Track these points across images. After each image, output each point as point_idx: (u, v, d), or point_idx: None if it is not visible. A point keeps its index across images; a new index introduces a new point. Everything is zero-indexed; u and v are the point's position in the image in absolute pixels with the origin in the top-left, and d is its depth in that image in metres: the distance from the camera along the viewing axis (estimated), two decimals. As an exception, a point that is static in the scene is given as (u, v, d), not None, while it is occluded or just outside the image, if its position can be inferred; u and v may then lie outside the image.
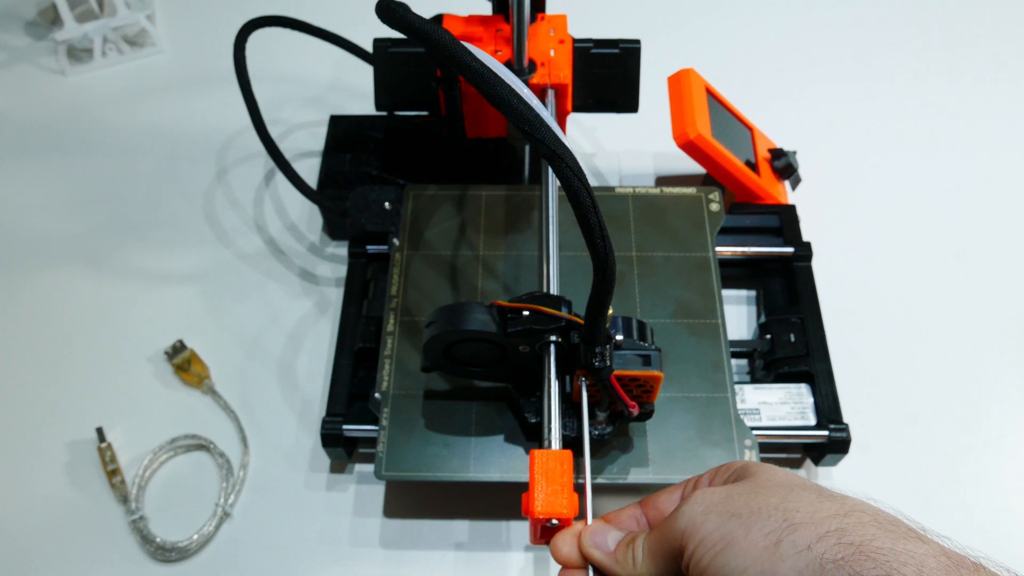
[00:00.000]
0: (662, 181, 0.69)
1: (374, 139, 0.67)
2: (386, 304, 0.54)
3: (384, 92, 0.62)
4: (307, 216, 0.67)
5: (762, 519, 0.29)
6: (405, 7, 0.35)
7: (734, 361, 0.55)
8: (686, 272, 0.55)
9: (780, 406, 0.52)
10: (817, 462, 0.52)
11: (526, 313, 0.43)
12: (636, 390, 0.44)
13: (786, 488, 0.30)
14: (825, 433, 0.50)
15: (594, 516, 0.52)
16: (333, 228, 0.66)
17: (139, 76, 0.78)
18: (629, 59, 0.60)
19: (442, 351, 0.45)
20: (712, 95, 0.62)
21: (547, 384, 0.44)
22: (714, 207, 0.58)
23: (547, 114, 0.35)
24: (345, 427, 0.51)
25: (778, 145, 0.65)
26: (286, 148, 0.62)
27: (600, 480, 0.48)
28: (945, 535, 0.28)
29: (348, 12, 0.68)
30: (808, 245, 0.58)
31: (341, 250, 0.65)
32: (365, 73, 0.64)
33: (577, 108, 0.61)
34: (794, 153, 0.63)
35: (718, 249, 0.57)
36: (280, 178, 0.70)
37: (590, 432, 0.46)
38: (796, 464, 0.54)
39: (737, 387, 0.51)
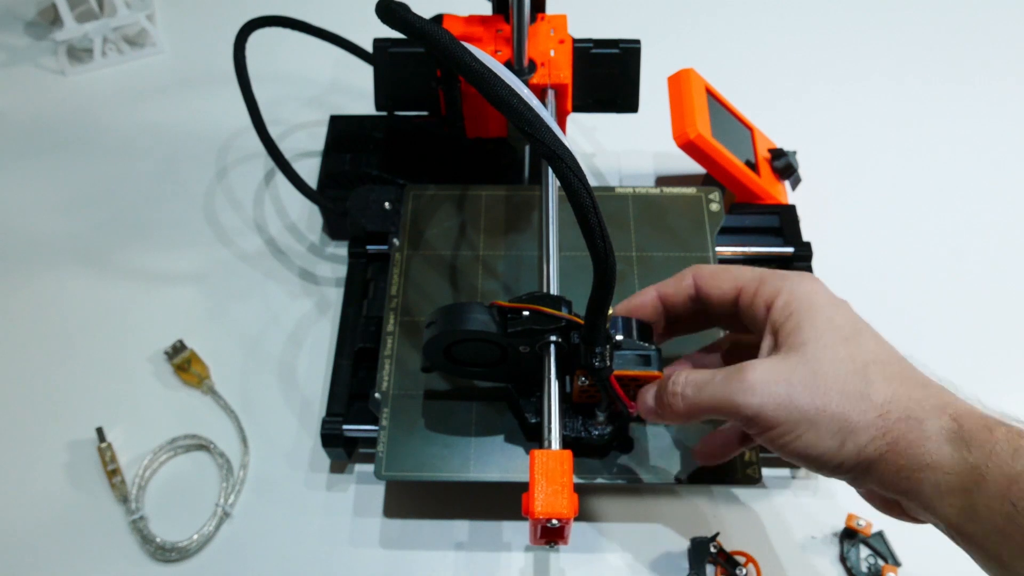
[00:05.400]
0: (662, 181, 0.69)
1: (374, 139, 0.67)
2: (386, 304, 0.54)
3: (384, 92, 0.62)
4: (307, 216, 0.67)
5: (827, 420, 0.36)
6: (405, 7, 0.35)
7: (734, 361, 0.55)
8: (686, 272, 0.55)
9: (780, 406, 0.52)
10: (817, 462, 0.52)
11: (526, 313, 0.43)
12: (636, 390, 0.44)
13: (839, 380, 0.36)
14: (825, 433, 0.50)
15: (594, 518, 0.52)
16: (333, 228, 0.66)
17: (139, 76, 0.78)
18: (629, 59, 0.60)
19: (442, 351, 0.45)
20: (712, 95, 0.62)
21: (547, 384, 0.44)
22: (714, 207, 0.58)
23: (547, 114, 0.35)
24: (345, 427, 0.51)
25: (778, 145, 0.65)
26: (286, 148, 0.62)
27: (600, 480, 0.48)
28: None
29: (348, 12, 0.68)
30: (808, 245, 0.58)
31: (341, 250, 0.65)
32: (365, 73, 0.64)
33: (577, 108, 0.61)
34: (794, 153, 0.63)
35: (718, 249, 0.57)
36: (280, 178, 0.70)
37: (589, 432, 0.46)
38: (795, 464, 0.54)
39: (737, 387, 0.51)
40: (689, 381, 0.40)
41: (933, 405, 0.35)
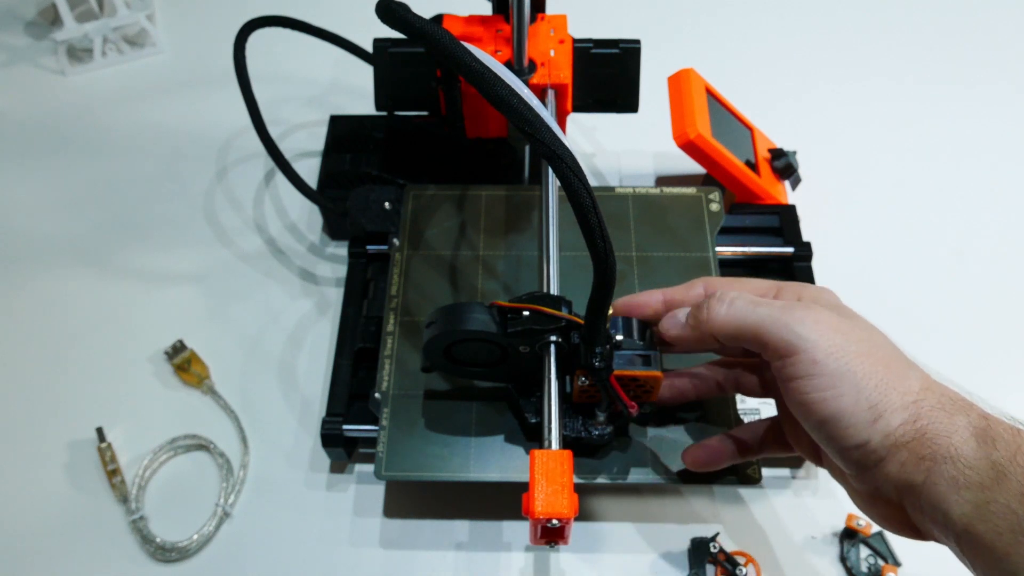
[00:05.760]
0: (662, 181, 0.69)
1: (374, 139, 0.67)
2: (386, 304, 0.54)
3: (384, 92, 0.62)
4: (307, 216, 0.67)
5: (869, 389, 0.35)
6: (405, 7, 0.35)
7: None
8: (686, 272, 0.55)
9: (780, 406, 0.52)
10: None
11: (526, 313, 0.43)
12: (636, 390, 0.44)
13: (888, 353, 0.36)
14: (825, 433, 0.50)
15: (594, 518, 0.52)
16: (333, 228, 0.66)
17: (139, 76, 0.78)
18: (629, 59, 0.60)
19: (442, 351, 0.45)
20: (712, 95, 0.62)
21: (547, 384, 0.44)
22: (714, 207, 0.58)
23: (547, 114, 0.35)
24: (345, 427, 0.51)
25: (778, 145, 0.65)
26: (286, 148, 0.62)
27: (600, 480, 0.48)
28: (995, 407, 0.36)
29: (348, 12, 0.68)
30: (808, 245, 0.58)
31: (341, 250, 0.65)
32: (365, 73, 0.64)
33: (577, 108, 0.61)
34: (794, 153, 0.63)
35: (718, 249, 0.57)
36: (280, 178, 0.70)
37: (590, 432, 0.46)
38: (796, 463, 0.54)
39: (737, 387, 0.51)
40: (742, 295, 0.39)
41: (963, 402, 0.35)
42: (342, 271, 0.62)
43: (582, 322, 0.42)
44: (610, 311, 0.42)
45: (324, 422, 0.51)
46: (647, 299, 0.44)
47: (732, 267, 0.60)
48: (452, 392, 0.51)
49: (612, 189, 0.60)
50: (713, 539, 0.49)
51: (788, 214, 0.60)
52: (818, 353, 0.35)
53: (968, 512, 0.32)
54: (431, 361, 0.46)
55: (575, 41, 0.58)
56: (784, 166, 0.63)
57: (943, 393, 0.35)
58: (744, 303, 0.39)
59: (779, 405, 0.44)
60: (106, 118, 0.75)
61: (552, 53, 0.57)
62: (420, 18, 0.35)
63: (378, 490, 0.53)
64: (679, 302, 0.44)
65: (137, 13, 0.77)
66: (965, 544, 0.33)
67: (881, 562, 0.49)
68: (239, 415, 0.56)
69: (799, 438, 0.42)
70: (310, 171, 0.67)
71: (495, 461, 0.48)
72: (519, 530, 0.51)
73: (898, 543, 0.50)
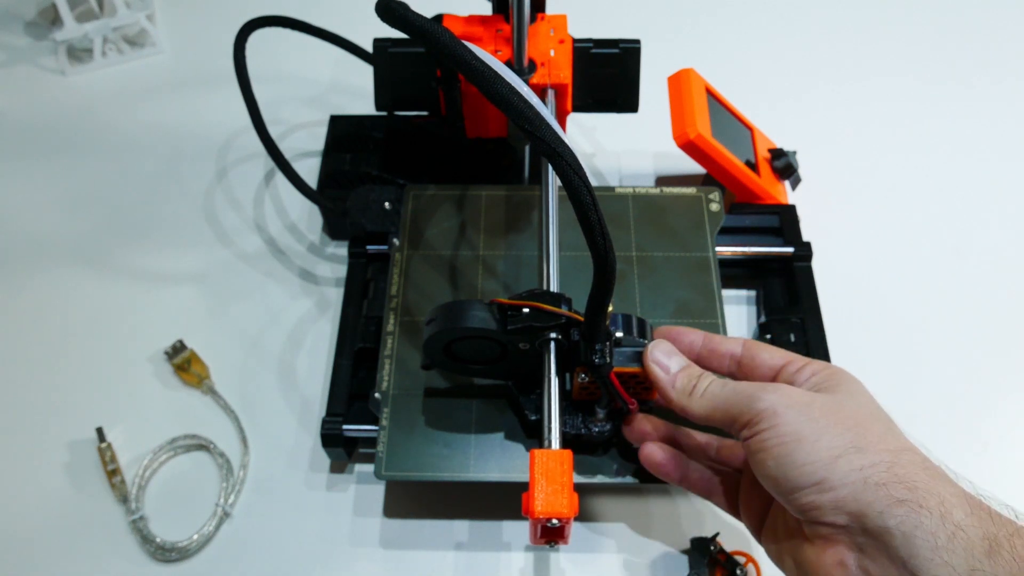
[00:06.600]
0: (662, 181, 0.69)
1: (374, 139, 0.67)
2: (386, 304, 0.54)
3: (384, 92, 0.62)
4: (307, 216, 0.67)
5: (833, 434, 0.35)
6: (405, 6, 0.35)
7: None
8: (686, 272, 0.55)
9: (780, 406, 0.52)
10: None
11: (526, 310, 0.43)
12: (636, 387, 0.44)
13: (861, 417, 0.36)
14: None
15: (594, 518, 0.52)
16: (333, 228, 0.66)
17: (139, 76, 0.78)
18: (629, 59, 0.60)
19: (442, 349, 0.45)
20: (712, 95, 0.62)
21: (547, 382, 0.44)
22: (714, 207, 0.58)
23: (547, 112, 0.35)
24: (345, 427, 0.51)
25: (778, 145, 0.65)
26: (286, 148, 0.62)
27: (600, 479, 0.48)
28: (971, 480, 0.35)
29: (348, 12, 0.68)
30: (808, 245, 0.58)
31: (341, 250, 0.65)
32: (365, 73, 0.64)
33: (577, 108, 0.61)
34: (794, 153, 0.63)
35: (718, 249, 0.57)
36: (280, 178, 0.70)
37: (590, 429, 0.46)
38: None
39: (737, 387, 0.51)
40: (716, 380, 0.40)
41: (947, 475, 0.34)
42: (342, 271, 0.62)
43: (582, 319, 0.42)
44: (610, 308, 0.42)
45: (324, 422, 0.51)
46: (689, 334, 0.45)
47: (732, 267, 0.60)
48: (452, 391, 0.51)
49: (612, 189, 0.60)
50: (713, 539, 0.49)
51: (788, 214, 0.60)
52: (779, 407, 0.36)
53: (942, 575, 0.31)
54: (431, 359, 0.46)
55: (575, 41, 0.59)
56: (784, 166, 0.63)
57: (927, 460, 0.35)
58: (716, 387, 0.40)
59: (743, 479, 0.44)
60: (106, 118, 0.75)
61: (552, 53, 0.57)
62: (420, 16, 0.35)
63: (378, 490, 0.53)
64: (718, 346, 0.44)
65: (137, 13, 0.77)
66: None
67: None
68: (239, 415, 0.56)
69: (749, 504, 0.42)
70: (310, 171, 0.67)
71: (495, 461, 0.48)
72: (519, 530, 0.51)
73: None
